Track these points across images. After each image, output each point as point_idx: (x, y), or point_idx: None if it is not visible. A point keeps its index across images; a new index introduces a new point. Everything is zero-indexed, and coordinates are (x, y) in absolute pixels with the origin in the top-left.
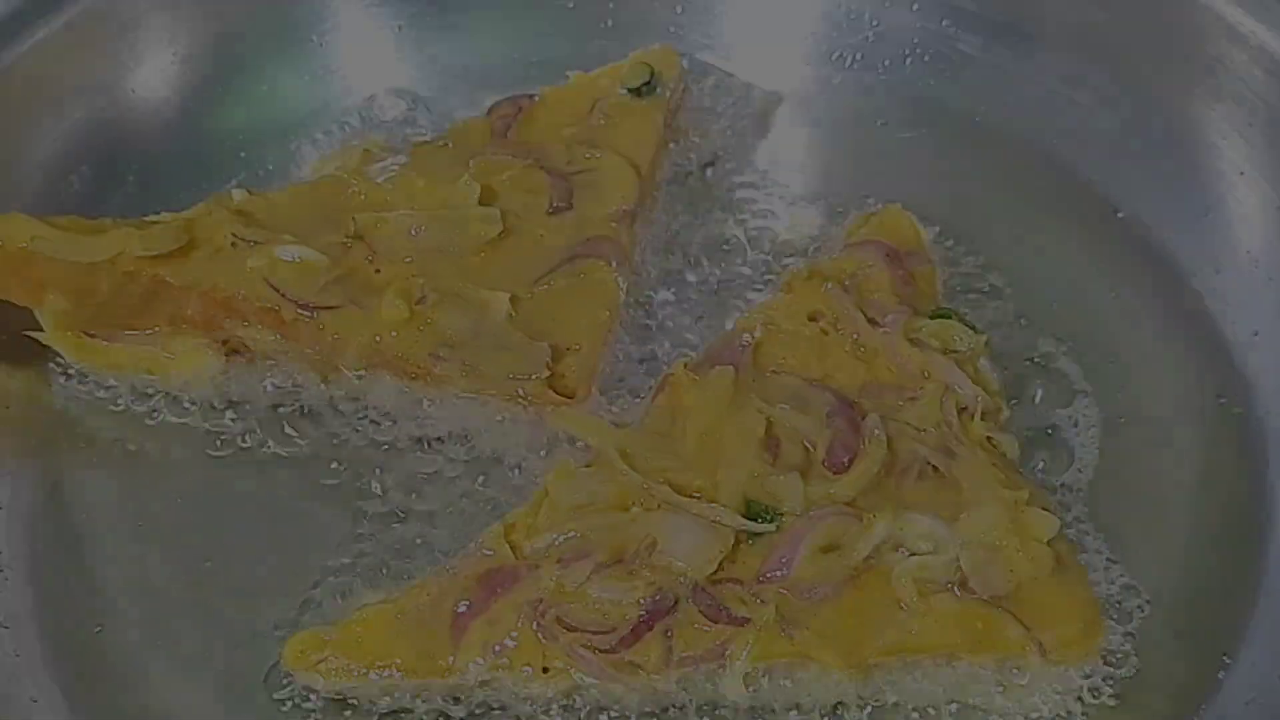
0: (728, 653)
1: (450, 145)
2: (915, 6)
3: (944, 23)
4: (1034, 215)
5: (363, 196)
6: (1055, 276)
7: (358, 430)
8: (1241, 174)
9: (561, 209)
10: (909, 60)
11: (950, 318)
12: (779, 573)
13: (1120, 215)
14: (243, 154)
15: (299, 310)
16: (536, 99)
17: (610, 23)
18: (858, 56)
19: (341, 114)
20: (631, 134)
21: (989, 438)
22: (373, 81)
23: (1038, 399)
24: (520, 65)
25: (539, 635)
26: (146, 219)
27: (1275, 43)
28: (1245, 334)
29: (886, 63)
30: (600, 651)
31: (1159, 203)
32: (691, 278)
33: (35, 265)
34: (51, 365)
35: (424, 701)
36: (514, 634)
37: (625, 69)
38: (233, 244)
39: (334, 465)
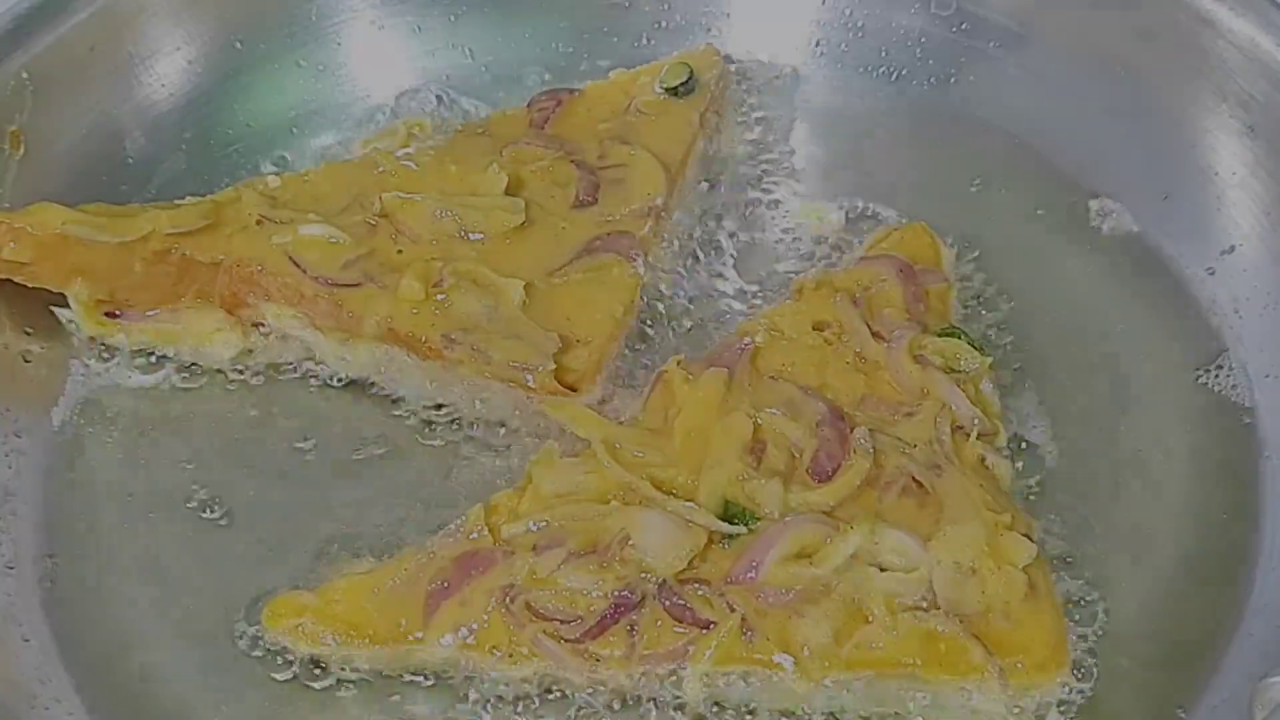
0: (689, 654)
1: (488, 133)
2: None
3: (963, 26)
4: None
5: (394, 177)
6: (1048, 280)
7: (381, 409)
8: (1234, 173)
9: (587, 203)
10: (930, 65)
11: (958, 337)
12: (748, 575)
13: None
14: (249, 138)
15: (319, 286)
16: (577, 94)
17: (664, 23)
18: (890, 68)
19: (372, 109)
20: (665, 131)
21: (982, 459)
22: (400, 78)
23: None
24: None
25: (507, 620)
26: (175, 202)
27: (1263, 39)
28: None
29: (907, 71)
30: (564, 640)
31: (1155, 204)
32: (705, 276)
33: (67, 251)
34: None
35: (396, 674)
36: (485, 616)
37: (666, 68)
38: (258, 222)
39: (354, 440)
